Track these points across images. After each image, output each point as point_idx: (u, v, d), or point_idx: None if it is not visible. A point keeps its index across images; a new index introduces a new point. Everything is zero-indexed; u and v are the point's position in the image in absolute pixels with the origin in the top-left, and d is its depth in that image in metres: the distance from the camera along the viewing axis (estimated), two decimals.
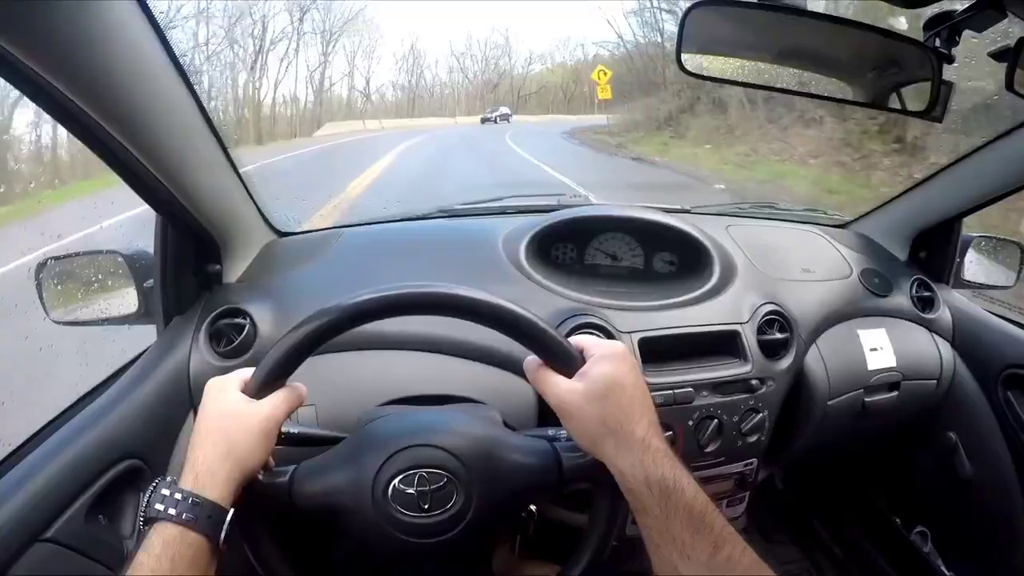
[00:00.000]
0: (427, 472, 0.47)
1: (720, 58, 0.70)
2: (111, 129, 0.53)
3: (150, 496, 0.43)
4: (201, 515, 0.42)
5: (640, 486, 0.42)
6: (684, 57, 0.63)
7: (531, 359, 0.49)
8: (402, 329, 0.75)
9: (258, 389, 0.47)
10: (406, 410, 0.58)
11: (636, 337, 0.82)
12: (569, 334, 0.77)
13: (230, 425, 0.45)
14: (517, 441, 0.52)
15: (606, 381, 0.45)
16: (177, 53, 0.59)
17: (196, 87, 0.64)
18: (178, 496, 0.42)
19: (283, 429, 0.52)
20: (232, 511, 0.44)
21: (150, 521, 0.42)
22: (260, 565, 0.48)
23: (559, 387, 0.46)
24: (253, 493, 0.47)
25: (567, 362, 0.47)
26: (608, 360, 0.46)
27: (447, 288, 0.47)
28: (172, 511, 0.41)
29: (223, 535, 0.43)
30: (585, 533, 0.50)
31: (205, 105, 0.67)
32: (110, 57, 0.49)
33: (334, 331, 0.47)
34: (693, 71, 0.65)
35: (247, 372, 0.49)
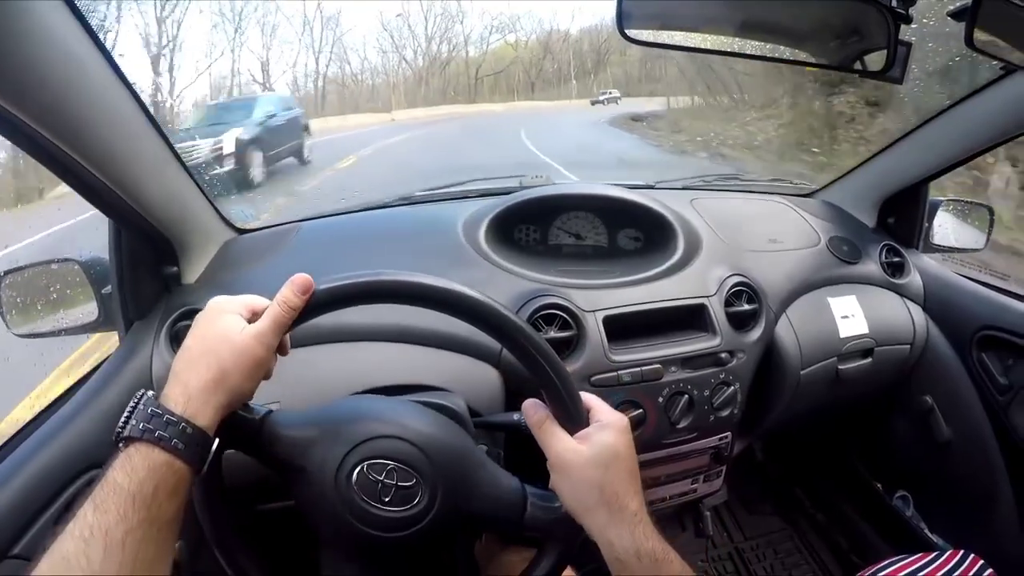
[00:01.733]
0: (399, 468, 0.46)
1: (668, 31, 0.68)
2: (47, 133, 0.52)
3: (132, 413, 0.39)
4: (191, 443, 0.39)
5: (630, 557, 0.42)
6: (631, 32, 0.61)
7: (534, 403, 0.48)
8: (363, 321, 0.74)
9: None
10: (391, 398, 0.57)
11: (600, 315, 0.81)
12: (532, 315, 0.77)
13: (228, 352, 0.42)
14: (490, 469, 0.51)
15: (610, 451, 0.45)
16: (112, 53, 0.58)
17: (135, 86, 0.63)
18: (169, 419, 0.39)
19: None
20: (217, 441, 0.42)
21: (130, 440, 0.38)
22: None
23: (564, 444, 0.46)
24: (223, 423, 0.44)
25: (576, 420, 0.47)
26: (613, 430, 0.46)
27: (499, 307, 0.46)
28: (159, 434, 0.38)
29: (205, 466, 0.41)
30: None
31: (146, 103, 0.66)
32: (37, 58, 0.47)
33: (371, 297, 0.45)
34: (641, 39, 0.63)
35: (256, 301, 0.46)
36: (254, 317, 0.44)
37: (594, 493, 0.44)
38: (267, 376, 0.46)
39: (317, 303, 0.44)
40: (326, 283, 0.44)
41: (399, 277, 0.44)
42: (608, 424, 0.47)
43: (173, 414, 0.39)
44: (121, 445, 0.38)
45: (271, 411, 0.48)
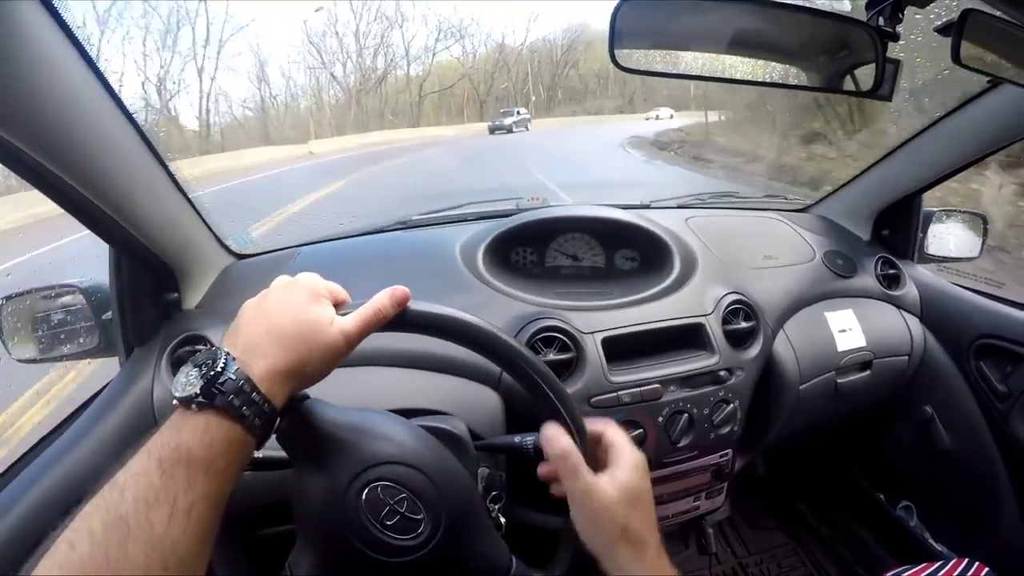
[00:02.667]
0: (411, 499, 0.46)
1: (660, 51, 0.69)
2: (42, 159, 0.52)
3: (219, 376, 0.35)
4: (266, 425, 0.37)
5: None
6: (619, 53, 0.62)
7: (558, 430, 0.47)
8: (362, 346, 0.75)
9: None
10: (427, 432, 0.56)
11: (599, 337, 0.81)
12: (531, 338, 0.78)
13: (317, 342, 0.39)
14: (489, 532, 0.51)
15: (636, 493, 0.45)
16: (106, 74, 0.58)
17: (130, 108, 0.63)
18: (255, 397, 0.36)
19: None
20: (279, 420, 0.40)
21: (209, 406, 0.35)
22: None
23: (589, 481, 0.45)
24: None
25: (584, 453, 0.47)
26: (637, 471, 0.46)
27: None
28: (247, 411, 0.35)
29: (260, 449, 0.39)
30: None
31: (143, 128, 0.66)
32: (28, 81, 0.47)
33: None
34: (630, 67, 0.64)
35: (341, 291, 0.44)
36: (337, 306, 0.43)
37: (618, 533, 0.44)
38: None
39: (403, 320, 0.44)
40: (419, 306, 0.45)
41: (485, 327, 0.46)
42: (632, 464, 0.46)
43: (259, 392, 0.36)
44: (194, 407, 0.35)
45: (308, 395, 0.48)
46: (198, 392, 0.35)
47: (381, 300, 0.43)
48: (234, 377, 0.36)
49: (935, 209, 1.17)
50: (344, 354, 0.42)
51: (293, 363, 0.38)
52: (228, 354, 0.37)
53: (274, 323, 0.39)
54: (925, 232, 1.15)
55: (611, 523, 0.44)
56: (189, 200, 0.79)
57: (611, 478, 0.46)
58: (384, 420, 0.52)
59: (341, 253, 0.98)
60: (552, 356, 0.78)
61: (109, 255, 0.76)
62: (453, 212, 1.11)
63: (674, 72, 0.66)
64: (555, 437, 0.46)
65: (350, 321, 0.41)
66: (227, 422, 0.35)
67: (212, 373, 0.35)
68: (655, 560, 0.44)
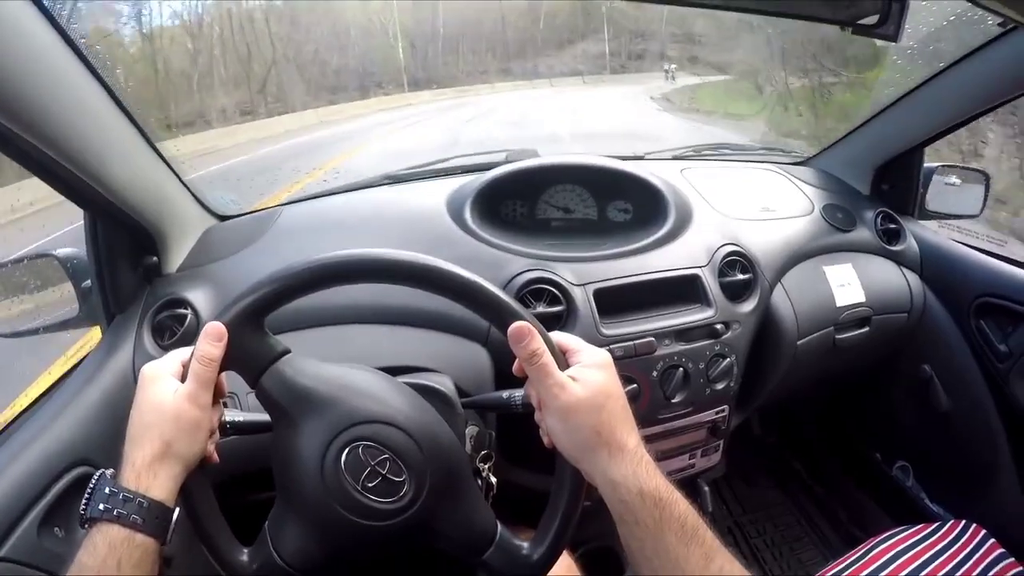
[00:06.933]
0: (393, 460, 0.45)
1: None
2: (8, 123, 0.50)
3: (92, 495, 0.40)
4: (149, 517, 0.40)
5: (634, 497, 0.42)
6: None
7: (528, 329, 0.44)
8: (345, 302, 0.73)
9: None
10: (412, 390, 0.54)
11: (591, 289, 0.79)
12: (519, 290, 0.76)
13: (166, 423, 0.42)
14: (474, 497, 0.49)
15: (603, 391, 0.44)
16: (75, 37, 0.55)
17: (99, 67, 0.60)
18: (124, 497, 0.40)
19: (226, 418, 0.49)
20: (178, 511, 0.42)
21: (92, 521, 0.40)
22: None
23: (558, 381, 0.44)
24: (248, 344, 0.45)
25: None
26: (601, 369, 0.45)
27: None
28: (118, 512, 0.39)
29: (169, 536, 0.42)
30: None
31: (113, 86, 0.63)
32: None
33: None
34: None
35: (186, 355, 0.46)
36: (186, 371, 0.45)
37: (592, 435, 0.43)
38: (212, 432, 0.46)
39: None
40: (228, 313, 0.45)
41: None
42: (595, 364, 0.45)
43: (128, 491, 0.40)
44: (87, 527, 0.40)
45: (289, 351, 0.47)
46: (81, 512, 0.40)
47: (199, 347, 0.44)
48: (100, 487, 0.40)
49: (936, 165, 1.14)
50: (199, 416, 0.44)
51: (158, 448, 0.42)
52: (103, 472, 0.42)
53: (133, 422, 0.43)
54: (926, 188, 1.13)
55: (584, 426, 0.43)
56: (165, 160, 0.77)
57: (576, 378, 0.44)
58: (367, 377, 0.50)
59: (325, 211, 0.95)
60: (542, 309, 0.76)
61: (84, 220, 0.73)
62: (440, 166, 1.08)
63: None
64: (524, 335, 0.44)
65: (187, 384, 0.44)
66: (105, 526, 0.39)
67: (88, 494, 0.41)
68: (635, 460, 0.43)
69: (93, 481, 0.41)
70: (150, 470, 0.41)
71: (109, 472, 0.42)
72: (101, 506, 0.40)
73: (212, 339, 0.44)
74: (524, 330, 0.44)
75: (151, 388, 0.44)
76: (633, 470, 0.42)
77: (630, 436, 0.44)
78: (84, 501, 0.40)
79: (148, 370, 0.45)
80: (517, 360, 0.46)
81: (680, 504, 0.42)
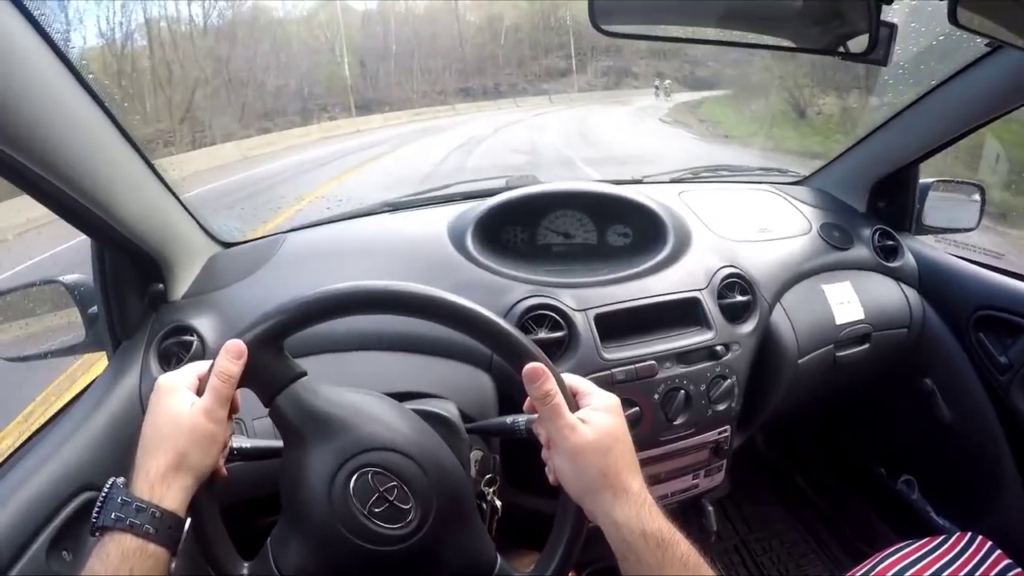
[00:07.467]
0: (401, 488, 0.45)
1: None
2: (9, 149, 0.50)
3: (104, 504, 0.41)
4: (161, 527, 0.40)
5: (637, 538, 0.42)
6: (599, 5, 0.59)
7: (542, 371, 0.46)
8: (351, 329, 0.73)
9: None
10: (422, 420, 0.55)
11: (592, 314, 0.80)
12: (521, 317, 0.77)
13: (182, 435, 0.43)
14: (477, 528, 0.50)
15: (611, 434, 0.45)
16: (77, 64, 0.56)
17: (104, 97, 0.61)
18: (137, 507, 0.40)
19: (233, 444, 0.50)
20: (189, 520, 0.43)
21: (104, 530, 0.40)
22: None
23: (568, 422, 0.45)
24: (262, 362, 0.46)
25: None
26: (610, 412, 0.46)
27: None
28: (131, 522, 0.40)
29: (180, 545, 0.42)
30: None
31: (118, 117, 0.64)
32: None
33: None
34: (618, 32, 0.62)
35: (202, 369, 0.47)
36: (202, 385, 0.45)
37: (599, 476, 0.44)
38: (225, 446, 0.47)
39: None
40: (250, 332, 0.46)
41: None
42: (605, 407, 0.47)
43: (142, 501, 0.41)
44: (97, 535, 0.41)
45: (306, 374, 0.48)
46: (93, 521, 0.41)
47: (219, 363, 0.45)
48: (113, 497, 0.41)
49: (932, 180, 1.15)
50: (215, 431, 0.44)
51: (172, 459, 0.42)
52: (115, 480, 0.42)
53: (147, 433, 0.44)
54: (922, 203, 1.14)
55: (591, 468, 0.44)
56: (170, 188, 0.78)
57: (585, 419, 0.45)
58: (378, 403, 0.51)
59: (328, 239, 0.96)
60: (543, 335, 0.76)
61: (91, 248, 0.75)
62: (440, 192, 1.09)
63: (661, 35, 0.64)
64: (539, 376, 0.46)
65: (205, 398, 0.45)
66: (118, 536, 0.40)
67: (101, 502, 0.41)
68: (638, 503, 0.44)
69: (105, 490, 0.41)
70: (164, 481, 0.42)
71: (120, 481, 0.42)
72: (114, 515, 0.40)
73: (232, 356, 0.45)
74: (539, 371, 0.45)
75: (168, 399, 0.45)
76: (636, 512, 0.43)
77: (635, 479, 0.45)
78: (96, 509, 0.41)
79: (165, 381, 0.46)
80: (529, 399, 0.47)
81: (682, 544, 0.43)
